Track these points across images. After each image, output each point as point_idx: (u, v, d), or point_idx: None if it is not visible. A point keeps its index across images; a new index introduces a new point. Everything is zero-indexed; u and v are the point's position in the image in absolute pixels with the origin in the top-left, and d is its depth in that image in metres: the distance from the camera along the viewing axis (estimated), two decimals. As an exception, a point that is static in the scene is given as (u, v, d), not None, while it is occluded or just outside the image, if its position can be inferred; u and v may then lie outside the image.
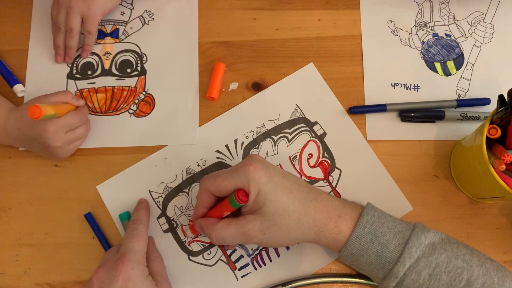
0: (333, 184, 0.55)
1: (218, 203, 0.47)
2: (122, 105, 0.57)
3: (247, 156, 0.47)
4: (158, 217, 0.53)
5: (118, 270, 0.43)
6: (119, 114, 0.57)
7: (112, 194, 0.54)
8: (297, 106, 0.57)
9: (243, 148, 0.56)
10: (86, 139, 0.56)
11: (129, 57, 0.59)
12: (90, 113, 0.57)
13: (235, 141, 0.56)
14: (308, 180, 0.55)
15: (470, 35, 0.60)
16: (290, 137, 0.56)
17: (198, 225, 0.47)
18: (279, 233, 0.43)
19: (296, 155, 0.55)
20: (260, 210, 0.43)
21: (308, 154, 0.56)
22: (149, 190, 0.54)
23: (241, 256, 0.52)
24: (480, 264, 0.42)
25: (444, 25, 0.61)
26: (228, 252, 0.52)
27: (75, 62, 0.59)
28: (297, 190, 0.44)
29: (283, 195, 0.43)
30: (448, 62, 0.59)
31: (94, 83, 0.58)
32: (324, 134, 0.56)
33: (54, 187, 0.54)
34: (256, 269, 0.52)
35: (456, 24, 0.61)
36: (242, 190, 0.43)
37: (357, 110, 0.56)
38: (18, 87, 0.57)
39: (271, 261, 0.52)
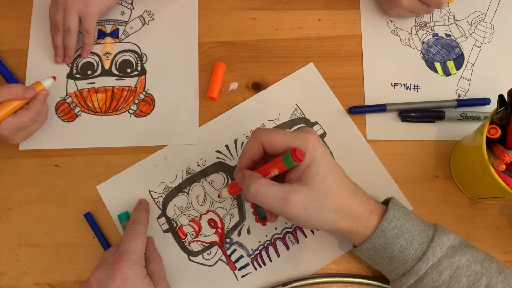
0: (333, 184, 0.54)
1: (265, 163, 0.44)
2: (122, 105, 0.57)
3: (303, 127, 0.45)
4: (158, 217, 0.53)
5: (115, 270, 0.43)
6: (119, 114, 0.57)
7: (112, 194, 0.54)
8: (297, 106, 0.57)
9: (243, 148, 0.56)
10: (87, 139, 0.56)
11: (129, 57, 0.59)
12: (90, 113, 0.57)
13: (235, 141, 0.56)
14: (308, 180, 0.54)
15: (470, 35, 0.60)
16: (290, 137, 0.56)
17: (240, 174, 0.43)
18: (320, 211, 0.42)
19: (296, 155, 0.55)
20: (308, 180, 0.41)
21: (308, 154, 0.55)
22: (149, 190, 0.54)
23: (241, 256, 0.52)
24: (499, 270, 0.42)
25: (444, 25, 0.61)
26: (228, 252, 0.52)
27: (75, 62, 0.59)
28: (342, 176, 0.44)
29: (332, 175, 0.42)
30: (448, 62, 0.59)
31: (94, 83, 0.58)
32: (324, 134, 0.56)
33: (54, 187, 0.55)
34: (256, 269, 0.52)
35: (456, 24, 0.61)
36: (299, 149, 0.40)
37: (357, 110, 0.56)
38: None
39: (271, 261, 0.52)
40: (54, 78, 0.53)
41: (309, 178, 0.41)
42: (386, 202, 0.47)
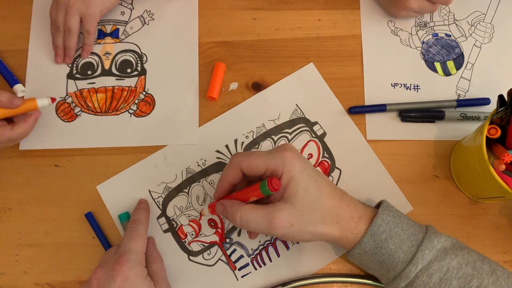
0: (333, 184, 0.55)
1: (243, 188, 0.45)
2: (122, 105, 0.57)
3: (280, 144, 0.46)
4: (158, 217, 0.53)
5: (116, 270, 0.43)
6: (119, 114, 0.57)
7: (112, 194, 0.54)
8: (297, 106, 0.57)
9: (243, 148, 0.56)
10: (87, 139, 0.56)
11: (129, 57, 0.59)
12: (90, 113, 0.57)
13: (235, 141, 0.56)
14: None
15: (470, 35, 0.60)
16: (290, 137, 0.56)
17: (221, 206, 0.45)
18: (307, 226, 0.43)
19: (296, 155, 0.55)
20: (290, 198, 0.42)
21: (308, 154, 0.56)
22: (149, 190, 0.54)
23: (241, 256, 0.52)
24: (490, 272, 0.42)
25: (444, 25, 0.61)
26: (228, 252, 0.52)
27: (75, 62, 0.59)
28: (325, 186, 0.44)
29: (314, 188, 0.43)
30: (448, 62, 0.59)
31: (94, 83, 0.58)
32: (324, 134, 0.56)
33: (54, 187, 0.55)
34: (256, 269, 0.52)
35: (456, 24, 0.61)
36: (275, 178, 0.41)
37: (357, 110, 0.56)
38: (18, 87, 0.57)
39: (271, 261, 0.52)
40: (53, 100, 0.52)
41: (290, 196, 0.42)
42: (379, 205, 0.47)
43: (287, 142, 0.55)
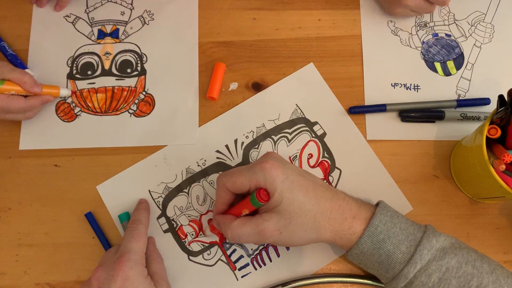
0: (333, 184, 0.55)
1: (239, 201, 0.46)
2: (122, 105, 0.57)
3: (264, 154, 0.47)
4: (158, 217, 0.53)
5: (117, 270, 0.43)
6: (119, 114, 0.57)
7: (112, 194, 0.54)
8: (297, 106, 0.57)
9: (243, 148, 0.56)
10: (87, 139, 0.56)
11: (129, 57, 0.59)
12: (90, 113, 0.57)
13: (235, 141, 0.56)
14: (308, 180, 0.55)
15: (470, 35, 0.60)
16: (290, 137, 0.56)
17: (215, 222, 0.47)
18: (296, 232, 0.43)
19: (296, 155, 0.55)
20: (276, 208, 0.43)
21: (308, 154, 0.56)
22: (149, 190, 0.54)
23: (241, 256, 0.52)
24: (490, 271, 0.42)
25: (444, 25, 0.61)
26: (228, 252, 0.52)
27: (75, 63, 0.59)
28: (313, 189, 0.44)
29: (300, 194, 0.43)
30: (448, 62, 0.59)
31: (94, 83, 0.58)
32: (324, 134, 0.56)
33: (54, 187, 0.55)
34: (256, 269, 0.52)
35: (456, 24, 0.61)
36: (263, 189, 0.42)
37: (357, 110, 0.56)
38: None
39: (271, 261, 0.52)
40: (73, 92, 0.57)
41: (276, 207, 0.43)
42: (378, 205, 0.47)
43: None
